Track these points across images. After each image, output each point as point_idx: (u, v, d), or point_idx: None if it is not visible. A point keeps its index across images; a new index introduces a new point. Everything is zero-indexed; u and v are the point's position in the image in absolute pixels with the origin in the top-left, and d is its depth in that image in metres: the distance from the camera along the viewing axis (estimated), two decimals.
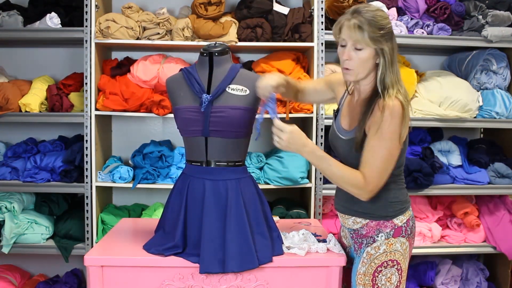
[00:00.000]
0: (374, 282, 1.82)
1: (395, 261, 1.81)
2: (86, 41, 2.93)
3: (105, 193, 3.22)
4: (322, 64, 2.98)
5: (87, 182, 2.97)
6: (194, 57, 3.31)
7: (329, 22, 3.02)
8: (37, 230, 3.02)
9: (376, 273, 1.81)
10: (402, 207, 1.83)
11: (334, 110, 1.99)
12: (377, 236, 1.81)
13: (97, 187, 3.00)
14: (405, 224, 1.83)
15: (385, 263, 1.81)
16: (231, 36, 2.96)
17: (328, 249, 1.93)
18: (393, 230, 1.81)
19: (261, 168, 3.06)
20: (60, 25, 2.97)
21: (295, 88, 2.05)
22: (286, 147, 1.75)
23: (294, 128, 1.75)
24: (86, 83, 2.95)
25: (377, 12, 1.72)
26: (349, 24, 1.70)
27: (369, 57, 1.73)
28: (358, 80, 1.80)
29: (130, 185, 3.00)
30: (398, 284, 1.84)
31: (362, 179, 1.72)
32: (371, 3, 3.10)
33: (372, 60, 1.74)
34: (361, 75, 1.77)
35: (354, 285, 1.87)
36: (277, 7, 3.03)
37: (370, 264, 1.82)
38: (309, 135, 3.03)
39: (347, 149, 1.84)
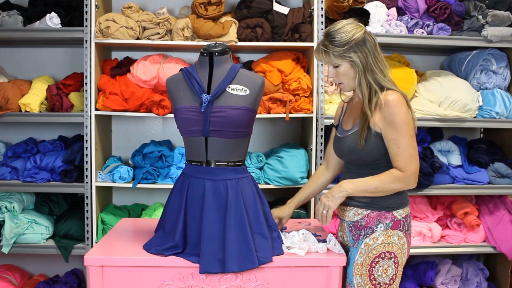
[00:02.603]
0: (370, 273, 1.88)
1: (392, 254, 1.88)
2: (86, 41, 2.93)
3: (105, 193, 3.22)
4: (322, 64, 2.98)
5: (87, 182, 2.97)
6: (194, 57, 3.31)
7: (329, 22, 3.02)
8: (37, 230, 3.02)
9: (373, 264, 1.87)
10: (402, 201, 1.93)
11: (332, 124, 2.11)
12: (376, 227, 1.89)
13: (97, 187, 3.00)
14: (404, 219, 1.92)
15: (382, 254, 1.87)
16: (231, 36, 2.97)
17: (328, 249, 1.93)
18: (392, 222, 1.89)
19: (261, 168, 3.06)
20: (60, 25, 2.97)
21: (314, 189, 2.24)
22: (333, 201, 1.89)
23: (323, 196, 1.93)
24: (86, 83, 2.96)
25: (340, 29, 1.88)
26: (318, 49, 1.92)
27: (347, 70, 1.90)
28: (354, 89, 1.97)
29: (130, 185, 3.00)
30: (394, 277, 1.89)
31: (399, 171, 1.84)
32: (368, 3, 3.10)
33: (352, 70, 1.90)
34: (352, 84, 1.93)
35: (350, 276, 1.91)
36: (277, 7, 3.03)
37: (367, 255, 1.88)
38: (309, 135, 3.04)
39: (350, 144, 1.93)
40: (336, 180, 2.24)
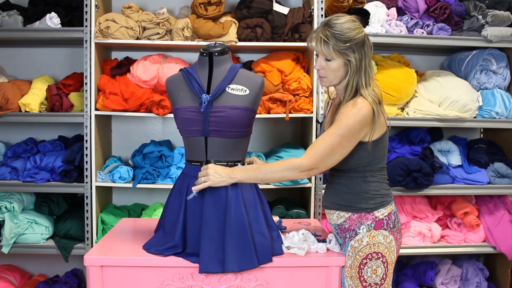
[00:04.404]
0: (360, 274, 1.87)
1: (379, 254, 1.86)
2: (86, 41, 2.93)
3: (105, 193, 3.22)
4: None
5: (87, 182, 2.97)
6: (194, 57, 3.31)
7: None
8: (37, 230, 3.02)
9: (361, 266, 1.86)
10: (383, 200, 1.89)
11: (317, 120, 2.06)
12: (359, 229, 1.87)
13: (97, 187, 3.00)
14: (387, 217, 1.88)
15: (369, 255, 1.86)
16: (231, 36, 2.97)
17: (328, 249, 1.94)
18: (374, 223, 1.87)
19: None
20: (60, 25, 2.97)
21: None
22: (219, 179, 1.82)
23: (210, 165, 1.85)
24: (86, 83, 2.96)
25: (345, 24, 1.82)
26: (317, 37, 1.83)
27: (339, 67, 1.84)
28: (333, 86, 1.92)
29: (130, 185, 3.00)
30: (384, 277, 1.88)
31: (298, 159, 1.79)
32: (368, 3, 3.10)
33: (343, 68, 1.84)
34: (335, 82, 1.88)
35: (342, 278, 1.91)
36: (277, 7, 3.03)
37: (355, 257, 1.87)
38: (308, 135, 3.04)
39: None
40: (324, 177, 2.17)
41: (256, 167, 1.85)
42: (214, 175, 1.81)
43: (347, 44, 1.80)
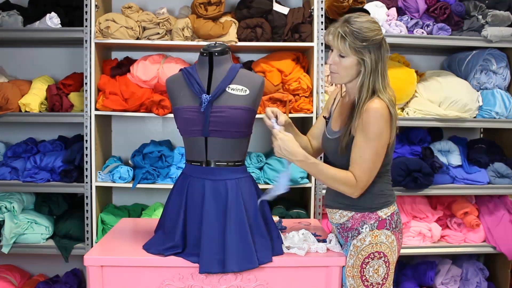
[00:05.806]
0: (362, 274, 1.87)
1: (381, 253, 1.87)
2: (86, 41, 2.93)
3: (105, 193, 3.22)
4: (322, 64, 2.98)
5: (87, 182, 2.97)
6: (194, 57, 3.31)
7: (329, 22, 3.02)
8: (37, 230, 3.02)
9: (363, 265, 1.87)
10: (386, 200, 1.91)
11: (324, 116, 2.05)
12: (362, 228, 1.88)
13: (97, 187, 3.00)
14: (389, 217, 1.90)
15: (371, 254, 1.86)
16: (231, 36, 2.97)
17: (328, 249, 1.94)
18: (377, 222, 1.88)
19: (261, 168, 3.06)
20: (60, 25, 2.97)
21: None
22: (280, 154, 1.86)
23: (287, 136, 1.87)
24: (86, 83, 2.96)
25: (365, 23, 1.81)
26: (335, 32, 1.82)
27: (352, 65, 1.84)
28: (344, 83, 1.92)
29: (130, 185, 3.00)
30: (386, 276, 1.88)
31: (353, 178, 1.82)
32: (368, 3, 3.10)
33: (356, 67, 1.84)
34: (346, 80, 1.89)
35: (343, 277, 1.91)
36: (277, 7, 3.03)
37: (357, 256, 1.87)
38: None
39: (334, 148, 1.91)
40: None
41: (319, 169, 1.84)
42: (282, 147, 1.83)
43: (364, 43, 1.79)
